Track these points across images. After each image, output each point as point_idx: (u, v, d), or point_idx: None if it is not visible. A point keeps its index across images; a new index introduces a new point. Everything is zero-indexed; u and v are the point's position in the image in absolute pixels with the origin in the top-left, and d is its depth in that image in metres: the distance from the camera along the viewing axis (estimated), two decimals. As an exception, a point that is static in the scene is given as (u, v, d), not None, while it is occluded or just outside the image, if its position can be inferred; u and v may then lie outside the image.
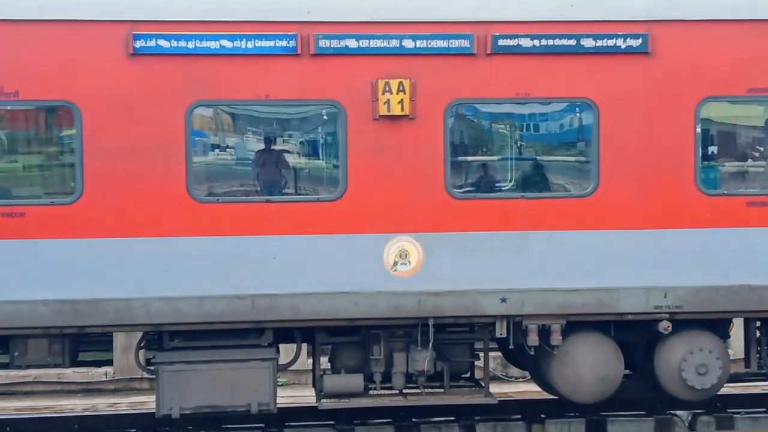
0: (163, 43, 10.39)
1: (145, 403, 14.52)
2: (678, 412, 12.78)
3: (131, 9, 10.41)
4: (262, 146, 10.85)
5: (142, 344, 11.39)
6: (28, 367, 11.71)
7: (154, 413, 11.10)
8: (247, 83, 10.51)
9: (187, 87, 10.44)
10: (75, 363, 11.51)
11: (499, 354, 13.71)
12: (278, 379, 15.90)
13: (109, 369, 16.34)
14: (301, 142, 11.00)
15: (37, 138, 10.76)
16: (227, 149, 10.93)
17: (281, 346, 11.46)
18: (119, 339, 15.68)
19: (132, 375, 16.01)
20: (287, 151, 10.88)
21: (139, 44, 10.36)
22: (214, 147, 10.89)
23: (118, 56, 10.38)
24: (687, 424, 12.69)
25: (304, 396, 14.31)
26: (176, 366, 10.80)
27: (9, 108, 10.45)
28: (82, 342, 11.74)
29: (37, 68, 10.29)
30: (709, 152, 11.11)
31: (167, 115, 10.42)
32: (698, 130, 10.90)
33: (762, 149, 11.34)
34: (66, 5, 10.36)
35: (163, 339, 10.96)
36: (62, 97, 10.36)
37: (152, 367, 11.02)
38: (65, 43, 10.33)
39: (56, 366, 11.08)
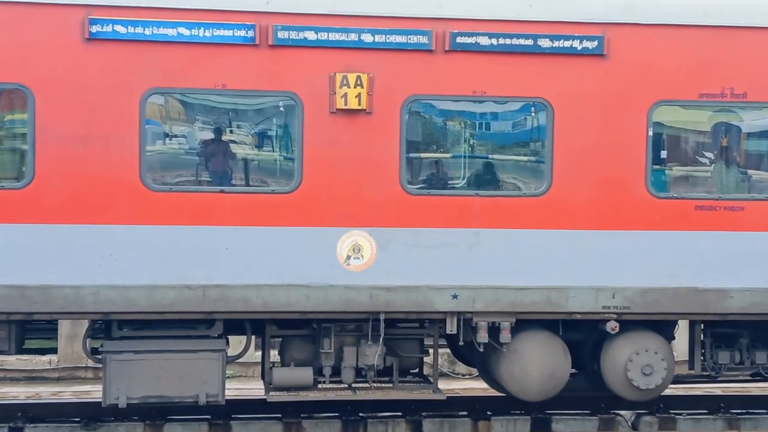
0: (119, 28, 10.28)
1: (90, 392, 14.39)
2: (621, 412, 12.95)
3: (88, -7, 10.31)
4: (217, 136, 10.78)
5: (89, 333, 11.24)
6: (-27, 352, 11.52)
7: (99, 402, 11.02)
8: (204, 72, 10.44)
9: (143, 74, 10.34)
10: (20, 350, 11.34)
11: (447, 350, 13.80)
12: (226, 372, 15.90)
13: (53, 357, 16.15)
14: (257, 134, 10.95)
15: (-12, 121, 10.61)
16: (182, 138, 10.85)
17: (229, 339, 11.40)
18: (64, 327, 15.51)
19: (76, 364, 15.85)
20: (243, 142, 10.83)
21: (95, 29, 10.24)
22: (168, 135, 10.80)
23: (73, 40, 10.25)
24: (630, 424, 12.86)
25: (251, 389, 14.28)
26: (124, 355, 10.70)
27: (-40, 90, 10.30)
28: (28, 329, 11.57)
29: (-10, 50, 10.15)
30: (660, 155, 11.25)
31: (122, 101, 10.32)
32: (650, 133, 11.03)
33: (711, 154, 11.52)
34: (22, -13, 10.22)
35: (112, 328, 10.85)
36: (15, 80, 10.21)
37: (99, 356, 10.91)
38: (20, 25, 10.18)
39: (1, 353, 10.91)
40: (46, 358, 16.14)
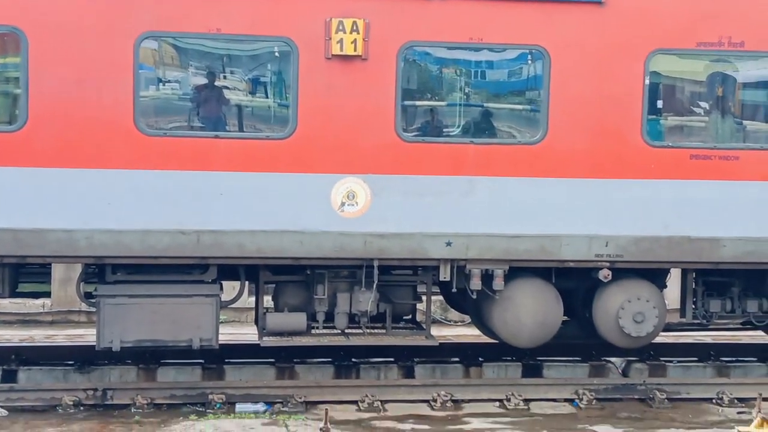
0: (113, -29, 10.18)
1: (83, 336, 14.45)
2: (612, 359, 13.06)
3: (80, -66, 10.17)
4: (212, 81, 10.71)
5: (83, 277, 11.26)
6: (-34, 296, 11.54)
7: (92, 346, 11.06)
8: (199, 16, 10.36)
9: (137, 18, 10.25)
10: (14, 294, 11.37)
11: (440, 298, 13.87)
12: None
13: (46, 301, 16.17)
14: (252, 79, 10.88)
15: (-19, 63, 10.52)
16: (176, 83, 10.78)
17: (223, 284, 11.43)
18: (57, 271, 15.51)
19: (70, 307, 15.87)
20: (237, 88, 10.78)
21: (89, -29, 10.14)
22: (162, 80, 10.73)
23: None
24: (620, 371, 12.97)
25: (245, 334, 14.34)
26: (118, 299, 10.73)
27: (-48, 32, 10.20)
28: (21, 273, 11.58)
29: (-19, -8, 10.05)
30: (657, 105, 11.23)
31: (115, 45, 10.24)
32: (647, 81, 11.00)
33: (707, 104, 11.50)
34: (13, -73, 10.08)
35: (106, 272, 10.86)
36: (9, 22, 10.11)
37: (93, 300, 10.94)
38: (14, -33, 10.07)
39: (-5, 295, 10.96)
40: (39, 301, 16.16)
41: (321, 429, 9.34)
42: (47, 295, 16.16)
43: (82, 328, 15.35)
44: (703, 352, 13.36)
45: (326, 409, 9.09)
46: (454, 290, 11.30)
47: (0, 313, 16.02)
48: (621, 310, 11.43)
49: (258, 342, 11.37)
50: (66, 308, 15.94)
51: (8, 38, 10.22)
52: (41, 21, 10.11)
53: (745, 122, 11.57)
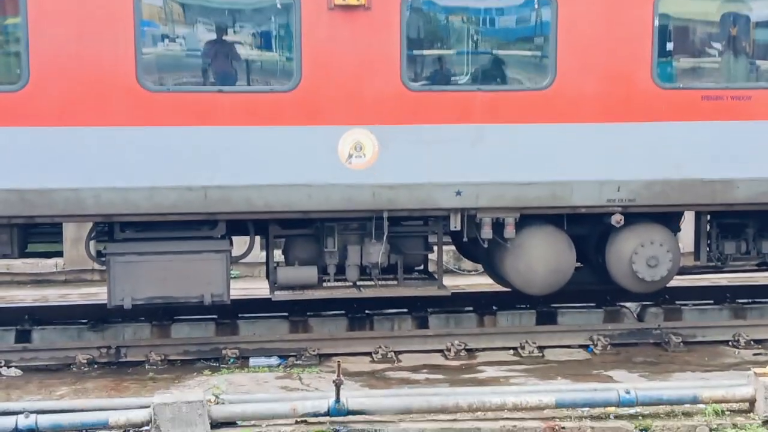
0: (111, -76, 10.01)
1: (96, 294, 14.45)
2: (627, 304, 13.01)
3: None
4: (214, 36, 10.58)
5: (92, 235, 11.25)
6: (-25, 256, 11.54)
7: (105, 304, 11.05)
8: None
9: (137, -29, 10.11)
10: (24, 254, 11.36)
11: (452, 248, 13.79)
12: (232, 272, 15.95)
13: (59, 260, 16.19)
14: (255, 32, 10.76)
15: (-19, 23, 10.40)
16: (178, 38, 10.66)
17: (234, 239, 11.39)
18: (69, 230, 15.43)
19: (82, 266, 15.88)
20: (240, 42, 10.65)
21: None
22: (164, 36, 10.60)
23: None
24: (635, 316, 12.92)
25: (258, 288, 14.31)
26: (127, 257, 10.71)
27: (-51, -8, 10.08)
28: (32, 233, 11.57)
29: (-21, -52, 9.92)
30: (666, 47, 11.05)
31: (116, 1, 10.08)
32: (656, 23, 10.81)
33: (717, 44, 11.30)
34: None
35: (114, 230, 10.83)
36: (6, -20, 10.01)
37: (103, 258, 10.92)
38: None
39: (5, 257, 10.93)
40: (51, 261, 16.17)
41: (334, 381, 9.31)
42: (59, 254, 16.10)
43: (95, 287, 15.37)
44: (718, 295, 13.28)
45: (338, 362, 9.05)
46: (465, 240, 11.22)
47: (13, 274, 16.07)
48: (634, 254, 11.34)
49: (270, 296, 11.34)
50: (79, 267, 15.95)
51: (6, -3, 10.11)
52: (39, -22, 9.98)
53: (757, 62, 11.35)
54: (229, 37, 10.62)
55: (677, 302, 13.01)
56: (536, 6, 10.83)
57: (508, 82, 10.96)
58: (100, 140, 10.23)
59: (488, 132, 10.75)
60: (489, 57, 10.98)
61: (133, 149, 10.29)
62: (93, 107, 10.19)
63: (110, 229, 10.94)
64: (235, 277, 15.89)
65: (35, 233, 11.65)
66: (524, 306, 12.84)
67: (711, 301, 13.16)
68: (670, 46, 11.08)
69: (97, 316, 12.16)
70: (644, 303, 12.99)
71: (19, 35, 10.07)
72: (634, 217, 11.34)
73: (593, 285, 12.42)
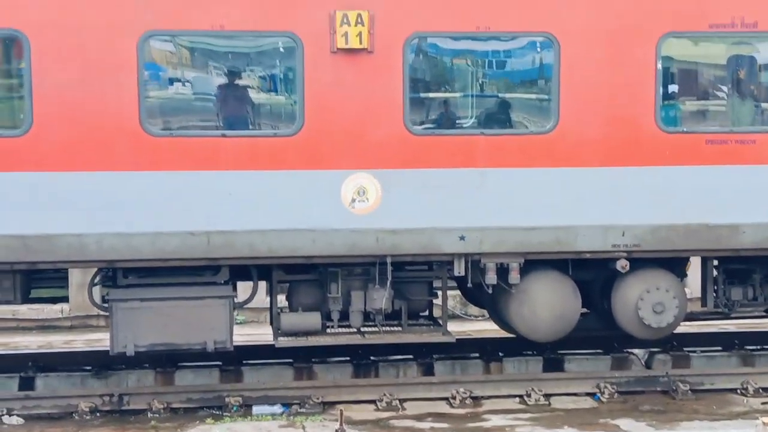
0: (115, -30, 10.09)
1: (102, 340, 14.35)
2: (634, 351, 12.87)
3: (85, -66, 10.10)
4: (217, 79, 10.62)
5: (96, 281, 11.21)
6: (-22, 303, 11.51)
7: (108, 350, 10.97)
8: (202, 13, 10.24)
9: (139, 16, 10.15)
10: (27, 300, 11.33)
11: (459, 292, 13.70)
12: (237, 317, 15.90)
13: (65, 306, 16.15)
14: (257, 76, 10.78)
15: (-17, 68, 10.46)
16: (181, 82, 10.68)
17: (241, 284, 11.34)
18: (75, 275, 15.44)
19: (88, 312, 15.81)
20: (243, 85, 10.66)
21: (89, -30, 10.06)
22: (167, 79, 10.63)
23: None
24: (643, 363, 12.78)
25: (264, 334, 14.22)
26: (130, 303, 10.65)
27: (-46, 37, 10.15)
28: (36, 278, 11.54)
29: (-17, -5, 9.99)
30: (670, 90, 11.04)
31: (118, 45, 10.15)
32: (659, 66, 10.80)
33: (721, 87, 11.28)
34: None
35: (117, 276, 10.79)
36: (9, 25, 10.04)
37: (106, 305, 10.87)
38: (13, -31, 10.01)
39: (7, 303, 10.90)
40: (57, 307, 16.14)
41: (336, 430, 9.23)
42: (65, 300, 16.14)
43: (101, 333, 15.28)
44: (727, 341, 13.15)
45: (341, 410, 8.98)
46: (469, 285, 11.14)
47: (19, 320, 16.02)
48: (640, 300, 11.24)
49: (274, 342, 11.25)
50: (84, 313, 15.90)
51: (10, 41, 10.14)
52: (42, 22, 10.03)
53: (762, 105, 11.31)
54: (232, 81, 10.64)
55: (685, 349, 12.88)
56: (539, 49, 10.84)
57: (512, 126, 10.94)
58: (103, 185, 10.22)
59: (491, 176, 10.71)
60: (492, 101, 10.98)
61: (136, 194, 10.28)
62: (96, 152, 10.20)
63: (114, 275, 10.90)
64: (240, 323, 15.86)
65: (39, 278, 11.63)
66: (531, 352, 12.73)
67: (719, 348, 13.02)
68: (673, 89, 11.06)
69: (101, 363, 12.08)
70: (652, 350, 12.86)
71: (23, 80, 10.11)
72: (640, 262, 11.24)
73: (600, 331, 12.30)
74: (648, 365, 12.70)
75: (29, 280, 11.21)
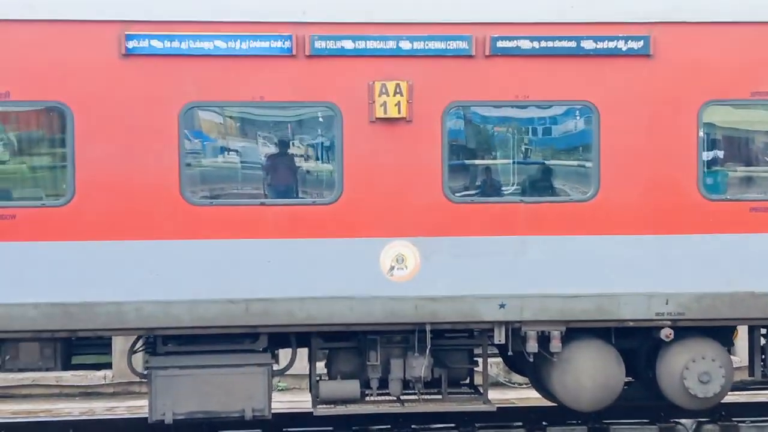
0: (156, 43, 10.26)
1: (143, 407, 14.30)
2: (682, 421, 12.58)
3: (124, 9, 10.28)
4: (257, 149, 10.69)
5: (135, 348, 11.25)
6: (20, 370, 11.57)
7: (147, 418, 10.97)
8: (242, 85, 10.36)
9: (181, 88, 10.29)
10: (67, 367, 11.39)
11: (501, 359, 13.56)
12: (278, 384, 15.86)
13: (108, 372, 16.22)
14: (297, 145, 10.84)
15: (29, 139, 10.60)
16: (221, 152, 10.78)
17: (283, 351, 11.31)
18: (118, 342, 15.55)
19: (131, 378, 15.81)
20: (282, 154, 10.72)
21: (131, 44, 10.23)
22: (207, 149, 10.73)
23: (110, 57, 10.24)
24: (691, 433, 12.50)
25: (305, 401, 14.14)
26: (169, 371, 10.66)
27: (0, 109, 10.32)
28: (79, 345, 11.63)
29: (29, 69, 10.16)
30: (712, 157, 10.93)
31: (160, 116, 10.28)
32: (701, 134, 10.72)
33: (765, 154, 11.15)
34: (57, 5, 10.22)
35: (156, 343, 10.82)
36: (54, 98, 10.23)
37: (145, 372, 10.89)
38: (57, 43, 10.19)
39: (48, 370, 10.96)
40: (100, 373, 16.22)
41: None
42: (109, 366, 16.22)
43: (143, 399, 15.25)
44: (776, 411, 12.83)
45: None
46: (510, 353, 11.01)
47: (62, 386, 16.10)
48: (686, 370, 11.01)
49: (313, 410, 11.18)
50: (127, 379, 15.93)
51: (54, 113, 10.32)
52: (85, 95, 10.20)
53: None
54: (272, 150, 10.72)
55: (734, 419, 12.56)
56: (578, 116, 10.81)
57: (552, 194, 10.87)
58: (143, 254, 10.29)
59: (532, 243, 10.63)
60: (531, 168, 10.93)
61: (175, 262, 10.33)
62: (136, 221, 10.29)
63: (153, 342, 10.94)
64: (282, 390, 15.81)
65: (83, 345, 11.70)
66: (575, 421, 12.49)
67: (769, 418, 12.71)
68: (715, 156, 10.95)
69: (141, 431, 12.06)
70: (700, 419, 12.55)
71: (66, 151, 10.26)
72: (685, 330, 11.04)
73: (644, 401, 12.06)
74: (695, 436, 12.43)
75: (70, 346, 11.28)
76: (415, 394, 11.20)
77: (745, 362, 12.15)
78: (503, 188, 10.91)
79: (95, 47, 10.23)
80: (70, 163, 10.24)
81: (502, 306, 10.66)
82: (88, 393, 16.15)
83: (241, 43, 10.34)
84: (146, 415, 11.38)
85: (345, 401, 11.05)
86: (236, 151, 10.74)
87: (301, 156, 10.87)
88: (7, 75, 10.14)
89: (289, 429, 12.28)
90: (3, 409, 14.82)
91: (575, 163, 11.04)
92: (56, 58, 10.18)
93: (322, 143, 10.79)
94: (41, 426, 12.69)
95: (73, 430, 12.18)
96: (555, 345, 10.85)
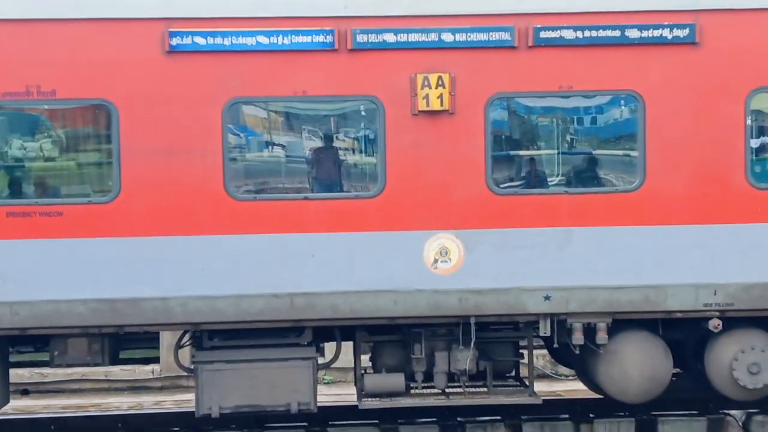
0: (199, 40, 10.31)
1: (191, 401, 14.38)
2: (731, 412, 12.47)
3: (167, 6, 10.34)
4: (299, 143, 10.72)
5: (182, 343, 11.33)
6: (69, 366, 11.69)
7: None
8: (284, 79, 10.39)
9: (224, 84, 10.34)
10: (115, 361, 11.49)
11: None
12: (324, 377, 15.91)
13: (156, 366, 16.36)
14: (339, 139, 10.85)
15: (75, 137, 10.71)
16: (265, 146, 10.82)
17: (329, 344, 11.32)
18: (166, 336, 15.67)
19: (178, 373, 15.90)
20: (325, 148, 10.73)
21: (175, 42, 10.29)
22: (251, 144, 10.77)
23: (154, 54, 10.32)
24: (741, 424, 12.36)
25: (351, 394, 14.18)
26: (215, 365, 10.75)
27: (46, 107, 10.44)
28: (126, 340, 11.72)
29: (74, 67, 10.27)
30: (761, 145, 10.77)
31: (204, 112, 10.34)
32: (748, 122, 10.57)
33: (815, 141, 11.00)
34: (102, 3, 10.31)
35: (203, 338, 10.89)
36: (99, 95, 10.32)
37: (192, 367, 10.96)
38: (102, 41, 10.28)
39: (96, 365, 11.07)
40: (149, 367, 16.37)
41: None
42: (157, 360, 16.35)
43: (190, 393, 15.35)
44: (828, 402, 12.63)
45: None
46: (555, 345, 10.95)
47: (111, 381, 16.27)
48: (735, 361, 10.89)
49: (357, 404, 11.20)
50: (175, 373, 16.04)
51: (100, 111, 10.41)
52: (130, 92, 10.28)
53: None
54: (315, 144, 10.74)
55: (784, 410, 12.43)
56: (623, 106, 10.70)
57: (596, 184, 10.78)
58: (188, 249, 10.36)
59: (576, 235, 10.56)
60: (575, 158, 10.85)
61: (220, 257, 10.39)
62: (181, 217, 10.36)
63: (200, 337, 11.01)
64: (328, 383, 15.86)
65: (131, 339, 11.80)
66: (623, 414, 12.41)
67: (820, 409, 12.52)
68: (764, 144, 10.79)
69: (188, 424, 12.16)
70: (750, 411, 12.43)
71: (111, 148, 10.35)
72: (734, 321, 10.91)
73: (693, 392, 11.95)
74: (746, 427, 12.28)
75: (118, 341, 11.39)
76: (460, 386, 11.19)
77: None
78: (547, 179, 10.84)
79: (140, 45, 10.30)
80: (116, 160, 10.32)
81: (547, 298, 10.60)
82: (137, 387, 16.31)
83: (283, 39, 10.36)
84: (193, 409, 11.48)
85: (390, 394, 11.07)
86: (280, 145, 10.78)
87: (345, 150, 10.87)
88: (53, 74, 10.22)
89: (335, 422, 12.29)
90: (53, 404, 15.01)
91: (620, 153, 10.94)
92: (102, 57, 10.27)
93: (365, 137, 10.79)
94: (91, 420, 12.84)
95: (122, 424, 12.29)
96: (601, 337, 10.77)
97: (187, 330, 11.04)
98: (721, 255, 10.62)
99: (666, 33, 10.51)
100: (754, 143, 10.70)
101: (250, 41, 10.36)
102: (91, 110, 10.48)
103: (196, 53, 10.33)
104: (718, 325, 10.78)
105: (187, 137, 10.34)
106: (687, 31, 10.50)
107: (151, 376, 16.37)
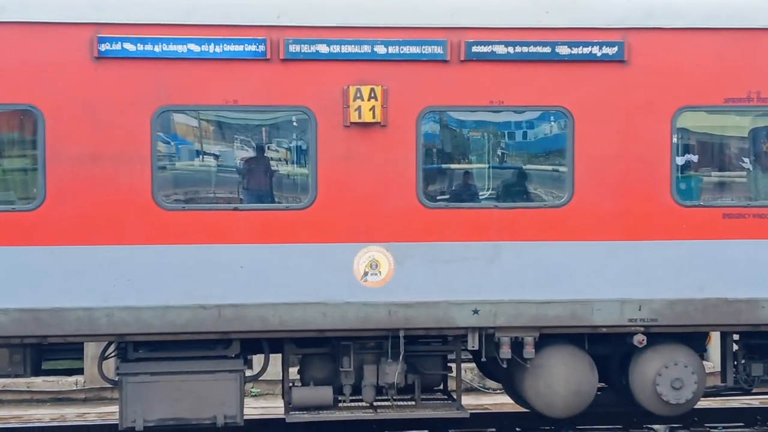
0: (128, 46, 10.17)
1: (115, 413, 14.18)
2: (655, 426, 12.62)
3: (96, 11, 10.19)
4: (230, 153, 10.63)
5: (107, 354, 11.14)
6: (-11, 377, 11.45)
7: (118, 425, 10.86)
8: (215, 88, 10.30)
9: (153, 92, 10.21)
10: (38, 372, 11.27)
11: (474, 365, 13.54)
12: (252, 390, 15.77)
13: (79, 378, 16.07)
14: (271, 149, 10.78)
15: (0, 142, 10.48)
16: (195, 155, 10.71)
17: (256, 356, 11.22)
18: (90, 347, 15.40)
19: (103, 384, 15.69)
20: (256, 158, 10.66)
21: (104, 47, 10.14)
22: (180, 153, 10.65)
23: (82, 59, 10.15)
24: (663, 439, 12.53)
25: (278, 407, 14.05)
26: (140, 377, 10.57)
27: (-29, 111, 10.23)
28: (50, 351, 11.49)
29: (0, 72, 10.05)
30: (686, 163, 10.94)
31: (132, 120, 10.20)
32: (674, 140, 10.74)
33: (737, 160, 11.18)
34: (29, 7, 10.13)
35: (127, 349, 10.72)
36: (25, 100, 10.12)
37: (116, 379, 10.78)
38: (29, 46, 10.09)
39: (17, 376, 10.83)
40: (72, 379, 16.06)
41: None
42: (81, 371, 16.06)
43: (115, 405, 15.10)
44: (749, 417, 12.87)
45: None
46: (483, 359, 10.98)
47: (33, 392, 15.92)
48: (658, 376, 11.03)
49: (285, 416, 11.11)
50: (99, 385, 15.75)
51: (25, 116, 10.21)
52: (57, 98, 10.10)
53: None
54: (246, 154, 10.66)
55: (707, 425, 12.63)
56: (553, 122, 10.81)
57: (526, 199, 10.86)
58: (114, 259, 10.20)
59: (505, 249, 10.62)
60: (506, 173, 10.92)
61: (147, 267, 10.24)
62: (107, 226, 10.19)
63: (125, 348, 10.83)
64: (255, 395, 15.71)
65: (55, 350, 11.57)
66: (549, 427, 12.50)
67: (742, 424, 12.75)
68: (689, 162, 10.96)
69: (112, 437, 11.96)
70: (672, 425, 12.58)
71: (37, 154, 10.15)
72: (658, 337, 11.06)
73: (618, 407, 12.07)
74: (668, 441, 12.46)
75: (40, 352, 11.16)
76: (388, 400, 11.16)
77: (718, 368, 12.18)
78: (478, 193, 10.89)
79: (68, 50, 10.13)
80: (41, 166, 10.13)
81: (475, 312, 10.63)
82: (60, 399, 15.98)
83: (214, 47, 10.27)
84: (117, 422, 11.28)
85: (318, 407, 10.99)
86: (210, 155, 10.68)
87: (276, 160, 10.81)
88: (-23, 78, 10.03)
89: (261, 435, 12.20)
90: (-28, 416, 14.66)
91: (550, 168, 11.04)
92: (28, 61, 10.07)
93: (296, 147, 10.73)
94: (11, 433, 12.58)
95: (43, 437, 12.04)
96: (528, 351, 10.84)
97: (112, 341, 10.85)
98: (647, 271, 10.75)
99: (595, 50, 10.64)
100: (680, 161, 10.87)
101: (180, 48, 10.25)
102: (17, 115, 10.28)
103: (126, 59, 10.19)
104: (643, 340, 10.91)
105: (115, 145, 10.19)
106: (616, 48, 10.64)
107: (75, 388, 16.05)
